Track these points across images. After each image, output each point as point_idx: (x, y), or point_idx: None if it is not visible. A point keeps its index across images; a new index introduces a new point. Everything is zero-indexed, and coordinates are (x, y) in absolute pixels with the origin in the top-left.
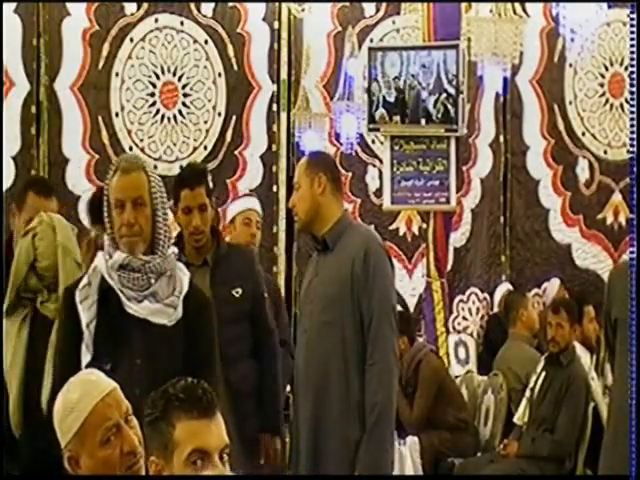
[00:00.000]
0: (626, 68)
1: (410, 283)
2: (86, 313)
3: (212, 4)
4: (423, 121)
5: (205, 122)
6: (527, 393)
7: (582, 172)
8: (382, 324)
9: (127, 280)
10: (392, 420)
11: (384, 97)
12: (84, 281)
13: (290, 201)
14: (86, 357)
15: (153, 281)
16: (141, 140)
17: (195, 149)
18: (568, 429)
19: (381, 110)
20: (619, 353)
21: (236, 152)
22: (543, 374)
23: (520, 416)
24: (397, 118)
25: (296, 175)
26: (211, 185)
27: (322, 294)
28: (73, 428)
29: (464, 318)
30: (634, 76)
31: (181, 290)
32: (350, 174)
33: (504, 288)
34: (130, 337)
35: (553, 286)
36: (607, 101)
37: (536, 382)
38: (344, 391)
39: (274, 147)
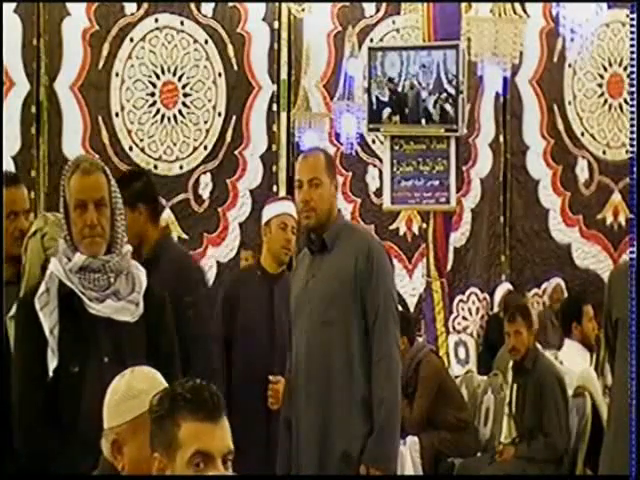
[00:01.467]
0: (625, 68)
1: (410, 283)
2: (48, 319)
3: (212, 4)
4: (423, 121)
5: (205, 122)
6: (505, 410)
7: (581, 172)
8: (387, 320)
9: (88, 281)
10: (399, 414)
11: (384, 97)
12: (42, 288)
13: (306, 195)
14: (53, 362)
15: (113, 280)
16: (141, 140)
17: (195, 149)
18: (557, 427)
19: (388, 109)
20: (619, 353)
21: (236, 152)
22: (515, 387)
23: (506, 434)
24: (397, 118)
25: (314, 170)
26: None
27: (322, 294)
28: (130, 414)
29: (464, 318)
30: (634, 76)
31: (141, 286)
32: (350, 174)
33: (504, 288)
34: (96, 337)
35: (551, 285)
36: (606, 101)
37: (511, 396)
38: (350, 388)
39: (274, 147)
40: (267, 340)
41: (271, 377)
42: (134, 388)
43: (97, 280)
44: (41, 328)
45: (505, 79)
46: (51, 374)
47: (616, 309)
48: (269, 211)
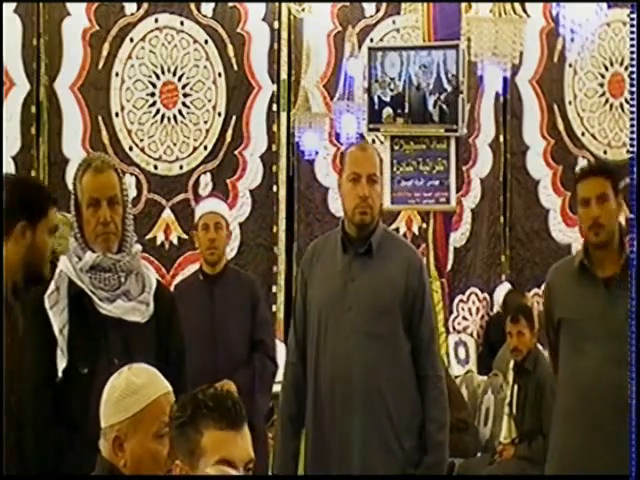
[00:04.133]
0: (626, 68)
1: None
2: (58, 318)
3: (212, 4)
4: (423, 121)
5: (205, 122)
6: (506, 409)
7: None
8: (436, 340)
9: (98, 281)
10: None
11: (385, 97)
12: (51, 287)
13: (365, 190)
14: (62, 362)
15: (123, 280)
16: (141, 140)
17: (195, 149)
18: None
19: (388, 109)
20: (565, 354)
21: (236, 152)
22: (516, 387)
23: (506, 434)
24: (399, 118)
25: (373, 166)
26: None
27: (369, 303)
28: (131, 410)
29: (464, 318)
30: (634, 76)
31: (150, 287)
32: None
33: (505, 288)
34: (106, 337)
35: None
36: (607, 101)
37: (512, 397)
38: (402, 405)
39: (274, 147)
40: (210, 341)
41: (217, 385)
42: (134, 384)
43: (108, 280)
44: (50, 327)
45: (505, 79)
46: (60, 374)
47: (558, 309)
48: (195, 215)
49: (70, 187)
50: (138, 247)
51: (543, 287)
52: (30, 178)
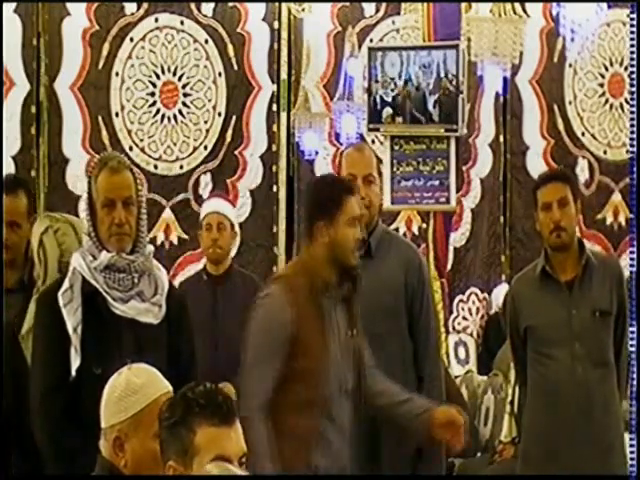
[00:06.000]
0: (626, 68)
1: None
2: (72, 317)
3: (212, 4)
4: (423, 121)
5: (205, 122)
6: (507, 408)
7: (582, 172)
8: (436, 339)
9: (113, 281)
10: None
11: (386, 97)
12: (65, 285)
13: (361, 191)
14: (76, 362)
15: (137, 280)
16: (141, 140)
17: (195, 149)
18: None
19: (388, 109)
20: (533, 358)
21: (236, 152)
22: (517, 386)
23: (506, 433)
24: (399, 118)
25: (369, 166)
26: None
27: (370, 304)
28: (131, 410)
29: (464, 318)
30: (634, 76)
31: (163, 288)
32: None
33: (505, 288)
34: (119, 338)
35: None
36: (607, 101)
37: (513, 395)
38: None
39: (274, 147)
40: (210, 341)
41: (220, 384)
42: (133, 383)
43: (122, 280)
44: (63, 325)
45: (505, 79)
46: (74, 374)
47: (524, 317)
48: (200, 215)
49: (70, 187)
50: (150, 248)
51: (507, 298)
52: (327, 176)
